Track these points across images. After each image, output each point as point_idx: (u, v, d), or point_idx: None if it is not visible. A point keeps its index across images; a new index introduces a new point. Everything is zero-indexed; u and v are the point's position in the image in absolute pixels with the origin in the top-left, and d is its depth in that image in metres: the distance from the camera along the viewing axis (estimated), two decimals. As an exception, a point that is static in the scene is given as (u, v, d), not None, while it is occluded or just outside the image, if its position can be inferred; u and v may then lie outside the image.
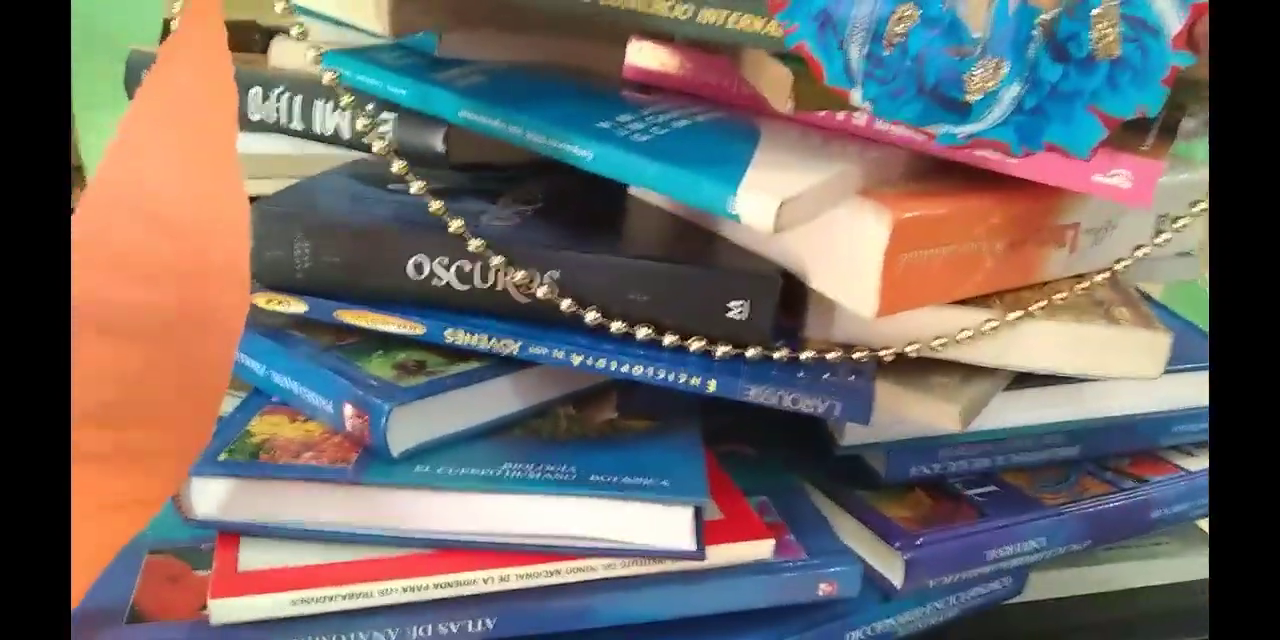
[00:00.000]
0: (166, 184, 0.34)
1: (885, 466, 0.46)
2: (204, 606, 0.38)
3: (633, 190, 0.48)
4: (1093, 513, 0.48)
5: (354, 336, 0.43)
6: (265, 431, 0.40)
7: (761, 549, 0.40)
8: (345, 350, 0.42)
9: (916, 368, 0.42)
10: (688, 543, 0.38)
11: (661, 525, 0.38)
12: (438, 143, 0.44)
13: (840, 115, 0.40)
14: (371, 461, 0.39)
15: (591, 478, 0.38)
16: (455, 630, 0.38)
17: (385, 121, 0.44)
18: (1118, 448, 0.51)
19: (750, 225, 0.34)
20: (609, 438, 0.42)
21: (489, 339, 0.40)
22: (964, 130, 0.36)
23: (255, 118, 0.49)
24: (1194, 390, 0.50)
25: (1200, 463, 0.52)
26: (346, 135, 0.46)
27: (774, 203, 0.34)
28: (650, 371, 0.39)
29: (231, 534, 0.39)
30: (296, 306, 0.42)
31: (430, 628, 0.38)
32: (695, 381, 0.39)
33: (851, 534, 0.45)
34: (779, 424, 0.51)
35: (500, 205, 0.44)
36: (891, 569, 0.44)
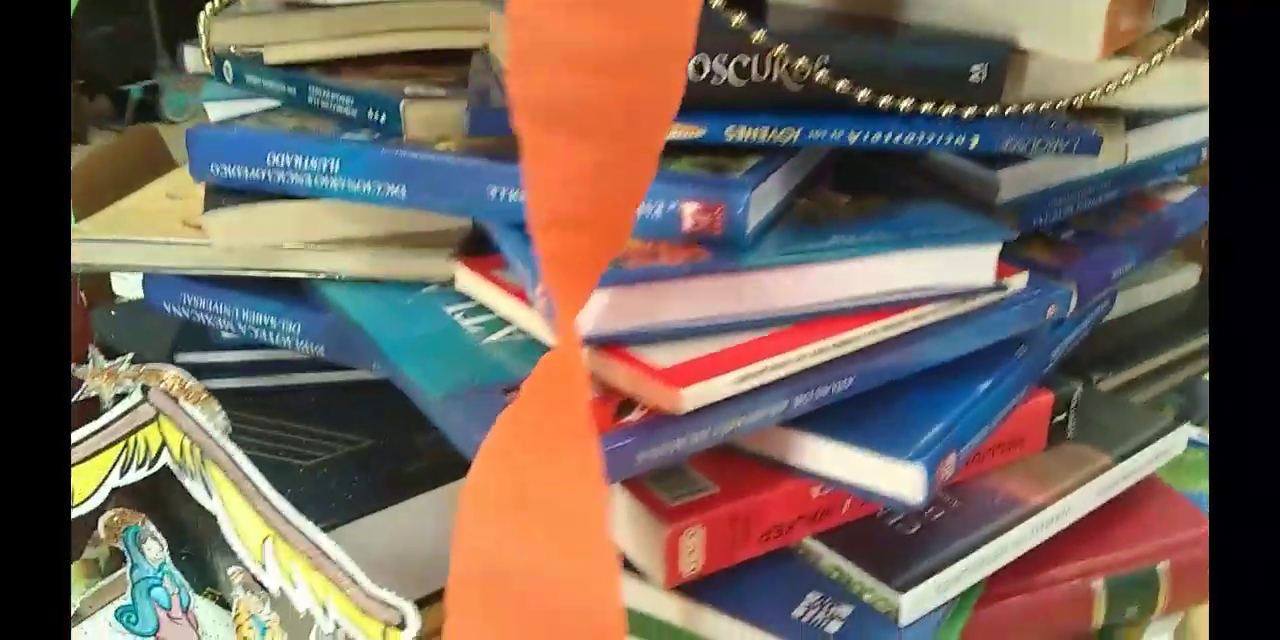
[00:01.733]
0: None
1: (1016, 220, 0.54)
2: (617, 414, 0.38)
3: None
4: (1149, 234, 0.58)
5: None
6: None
7: (1020, 280, 0.46)
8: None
9: (1076, 117, 0.49)
10: (991, 278, 0.44)
11: (972, 265, 0.43)
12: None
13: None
14: (722, 253, 0.40)
15: (913, 232, 0.43)
16: (825, 394, 0.41)
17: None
18: (1133, 186, 0.62)
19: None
20: (872, 211, 0.46)
21: (770, 131, 0.42)
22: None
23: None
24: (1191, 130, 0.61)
25: (1179, 195, 0.64)
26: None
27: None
28: (919, 137, 0.43)
29: (609, 346, 0.39)
30: (565, 127, 0.41)
31: (809, 395, 0.41)
32: (959, 140, 0.44)
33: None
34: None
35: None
36: (1060, 298, 0.52)
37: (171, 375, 0.39)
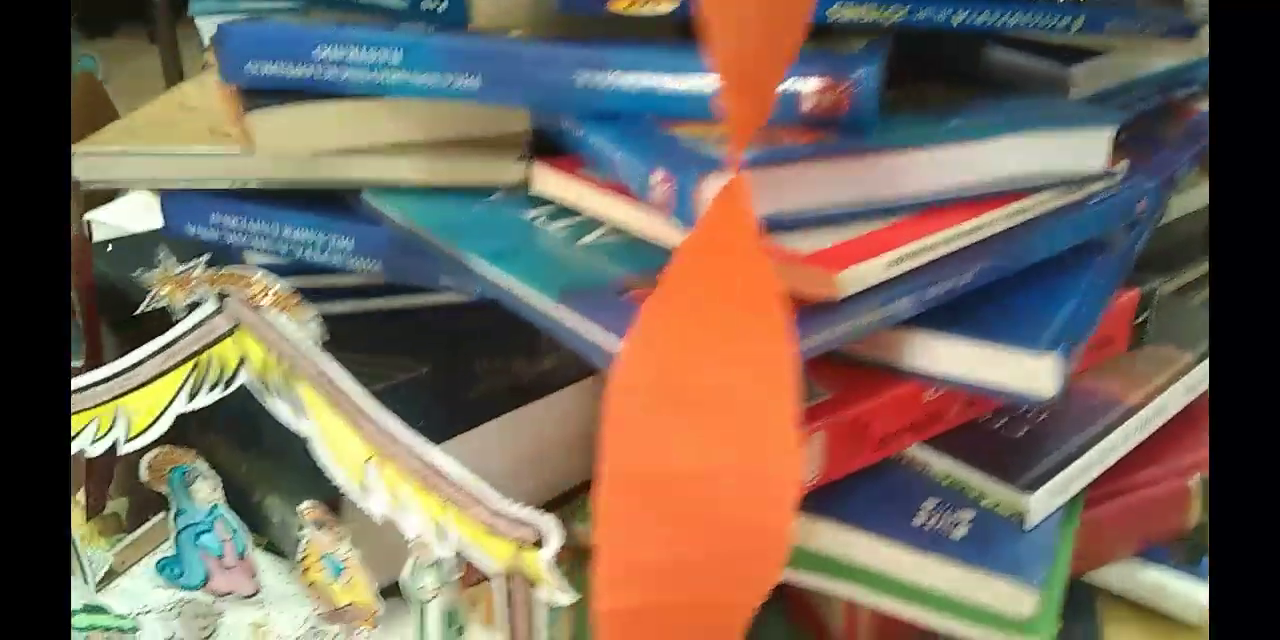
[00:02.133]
0: None
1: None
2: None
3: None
4: (1194, 139, 0.58)
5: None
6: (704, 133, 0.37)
7: (1123, 167, 0.45)
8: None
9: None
10: (1105, 163, 0.42)
11: (1087, 150, 0.42)
12: None
13: None
14: (846, 135, 0.37)
15: (1031, 114, 0.40)
16: (951, 286, 0.39)
17: None
18: (1171, 93, 0.61)
19: None
20: (973, 100, 0.43)
21: (877, 9, 0.40)
22: None
23: None
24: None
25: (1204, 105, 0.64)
26: None
27: None
28: (1023, 18, 0.42)
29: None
30: (666, 4, 0.38)
31: (939, 286, 0.38)
32: (1064, 22, 0.42)
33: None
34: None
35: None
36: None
37: (256, 279, 0.34)
